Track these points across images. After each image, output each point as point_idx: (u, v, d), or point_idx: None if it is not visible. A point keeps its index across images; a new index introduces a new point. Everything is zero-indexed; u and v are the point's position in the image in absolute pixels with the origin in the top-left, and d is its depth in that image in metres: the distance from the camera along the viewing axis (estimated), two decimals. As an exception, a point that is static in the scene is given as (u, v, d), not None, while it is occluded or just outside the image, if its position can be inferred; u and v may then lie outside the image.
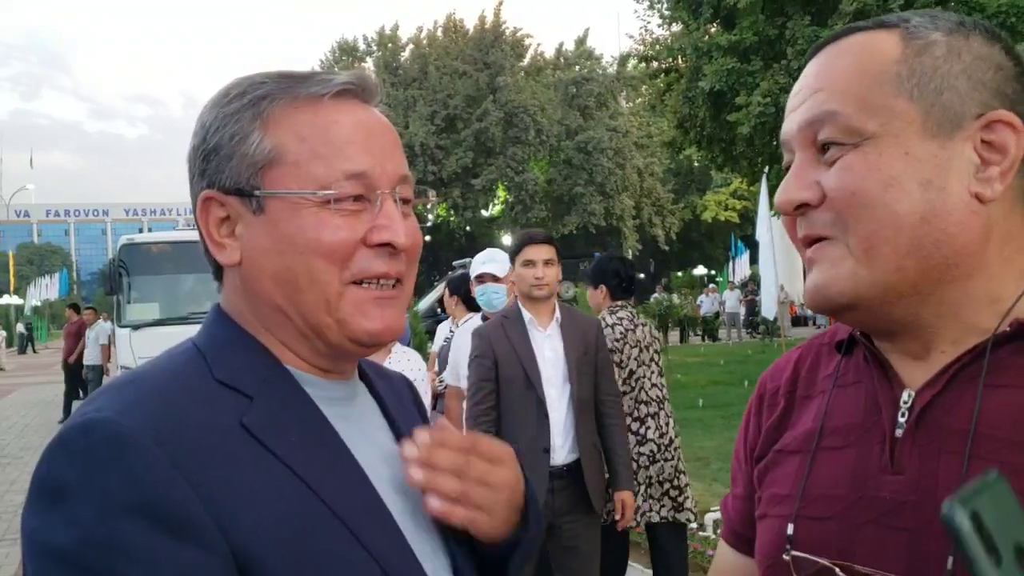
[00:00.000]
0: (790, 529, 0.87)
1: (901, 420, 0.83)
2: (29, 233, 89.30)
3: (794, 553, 0.86)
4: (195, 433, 0.77)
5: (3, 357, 30.37)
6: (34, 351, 39.85)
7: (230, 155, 0.88)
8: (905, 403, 0.84)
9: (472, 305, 5.36)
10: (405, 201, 0.93)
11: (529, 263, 3.51)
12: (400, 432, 1.00)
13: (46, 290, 44.95)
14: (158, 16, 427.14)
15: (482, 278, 4.51)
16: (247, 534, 0.75)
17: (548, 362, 3.47)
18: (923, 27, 0.83)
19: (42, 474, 0.74)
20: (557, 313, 3.56)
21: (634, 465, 3.90)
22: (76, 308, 15.57)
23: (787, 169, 0.88)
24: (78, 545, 0.70)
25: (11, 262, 51.19)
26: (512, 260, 3.62)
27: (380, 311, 0.89)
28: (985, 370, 0.79)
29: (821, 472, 0.88)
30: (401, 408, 1.07)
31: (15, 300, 47.04)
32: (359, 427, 0.94)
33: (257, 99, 0.88)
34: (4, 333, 33.75)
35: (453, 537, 0.96)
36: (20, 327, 41.04)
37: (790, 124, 0.88)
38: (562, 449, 3.42)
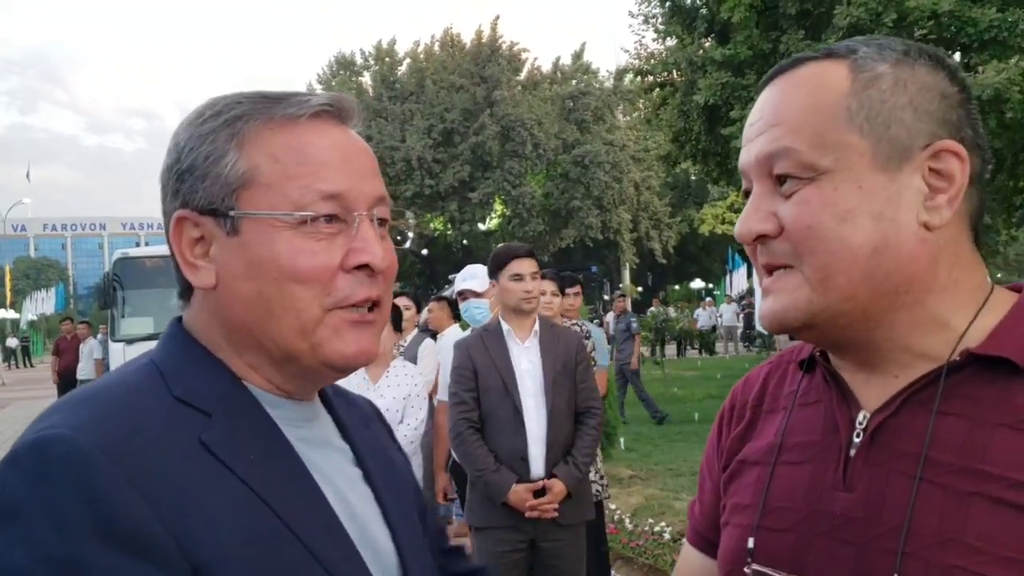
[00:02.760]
0: (751, 542, 0.90)
1: (856, 440, 0.86)
2: (26, 247, 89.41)
3: (755, 567, 0.89)
4: (153, 450, 0.76)
5: (2, 371, 30.29)
6: (30, 364, 39.70)
7: (204, 175, 0.86)
8: (860, 424, 0.87)
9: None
10: (382, 222, 0.92)
11: (517, 277, 3.51)
12: (360, 455, 0.99)
13: (42, 304, 44.89)
14: (155, 30, 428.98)
15: (464, 295, 4.65)
16: (207, 551, 0.74)
17: (525, 373, 3.49)
18: (870, 58, 0.85)
19: None
20: (536, 326, 3.58)
21: None
22: (73, 320, 15.49)
23: (746, 195, 0.90)
24: (35, 564, 0.68)
25: (7, 276, 51.16)
26: (495, 275, 3.60)
27: (356, 335, 0.88)
28: (939, 397, 0.81)
29: (780, 485, 0.91)
30: (366, 431, 1.06)
31: (11, 314, 46.96)
32: (319, 449, 0.94)
33: (233, 119, 0.87)
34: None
35: (411, 557, 0.96)
36: (11, 341, 40.79)
37: (747, 155, 0.90)
38: (539, 460, 3.42)
